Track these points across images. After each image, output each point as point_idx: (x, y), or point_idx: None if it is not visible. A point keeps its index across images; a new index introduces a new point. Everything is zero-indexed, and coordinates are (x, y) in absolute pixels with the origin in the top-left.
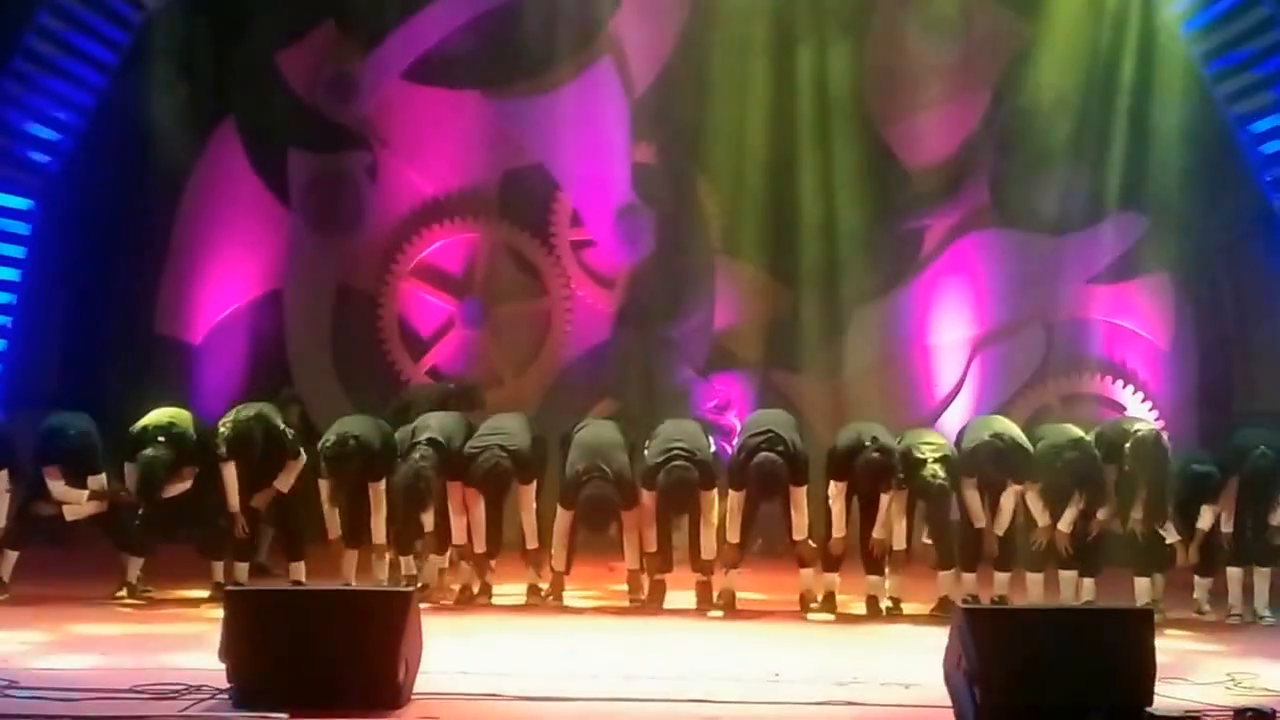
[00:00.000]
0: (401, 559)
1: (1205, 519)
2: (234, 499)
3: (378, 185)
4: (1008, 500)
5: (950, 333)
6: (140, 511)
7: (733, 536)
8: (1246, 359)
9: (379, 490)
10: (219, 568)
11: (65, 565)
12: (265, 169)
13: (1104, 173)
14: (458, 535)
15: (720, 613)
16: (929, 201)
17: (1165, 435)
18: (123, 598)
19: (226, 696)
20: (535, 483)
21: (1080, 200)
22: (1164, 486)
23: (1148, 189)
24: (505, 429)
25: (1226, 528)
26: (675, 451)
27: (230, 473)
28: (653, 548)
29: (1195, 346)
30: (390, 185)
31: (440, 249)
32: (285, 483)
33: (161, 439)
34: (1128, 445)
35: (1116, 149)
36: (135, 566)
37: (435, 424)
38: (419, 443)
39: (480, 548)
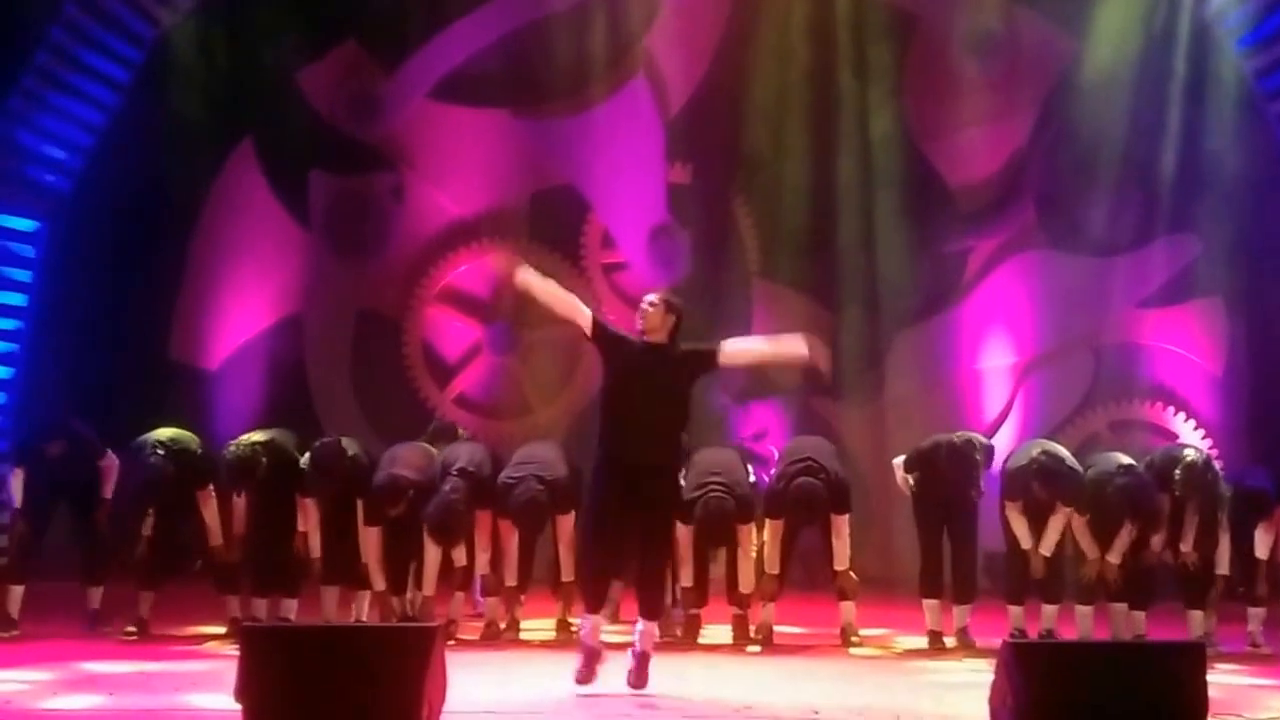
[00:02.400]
0: (394, 598)
1: (1261, 547)
2: (215, 527)
3: (402, 206)
4: (1056, 522)
5: (996, 358)
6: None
7: (771, 568)
8: None
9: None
10: (234, 602)
11: (74, 600)
12: (285, 191)
13: (1154, 193)
14: (483, 567)
15: (758, 647)
16: (973, 223)
17: (1217, 462)
18: (132, 633)
19: None
20: (573, 514)
21: (1130, 221)
22: (1216, 514)
23: (1199, 210)
24: (540, 458)
25: None
26: (712, 484)
27: (211, 503)
28: (689, 582)
29: (1248, 372)
30: (415, 206)
31: (467, 272)
32: (303, 520)
33: (161, 451)
34: (1178, 472)
35: (1166, 169)
36: (146, 602)
37: (465, 454)
38: (450, 474)
39: (511, 581)
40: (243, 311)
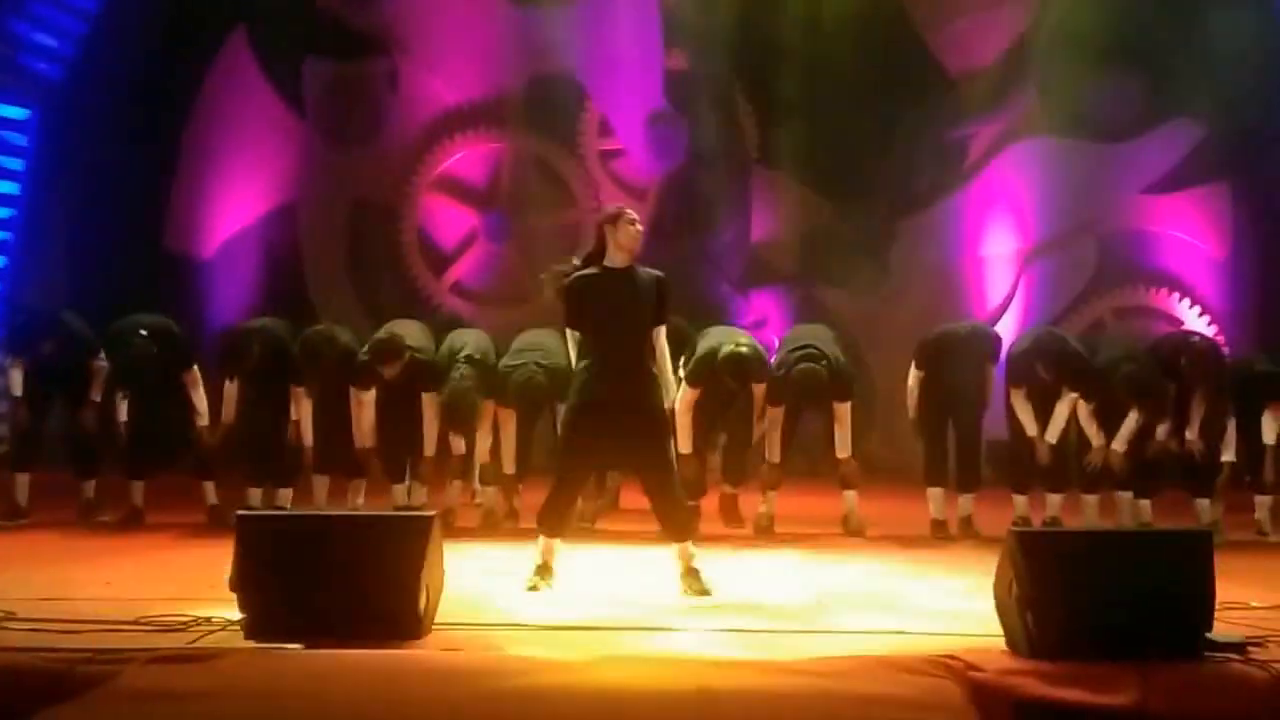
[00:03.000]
0: (395, 487)
1: (1269, 433)
2: (203, 409)
3: (397, 94)
4: (1061, 409)
5: (998, 245)
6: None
7: (773, 456)
8: None
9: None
10: (211, 489)
11: (73, 489)
12: (279, 78)
13: (1157, 78)
14: (483, 455)
15: (749, 531)
16: (975, 109)
17: (1224, 349)
18: (109, 521)
19: (238, 627)
20: None
21: (1133, 107)
22: (1222, 401)
23: (1204, 95)
24: (542, 345)
25: None
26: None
27: (198, 385)
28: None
29: (1254, 257)
30: (411, 94)
31: (463, 159)
32: (295, 409)
33: (145, 333)
34: (1183, 358)
35: (1171, 53)
36: (138, 491)
37: (471, 341)
38: (458, 360)
39: (510, 469)
40: (237, 200)
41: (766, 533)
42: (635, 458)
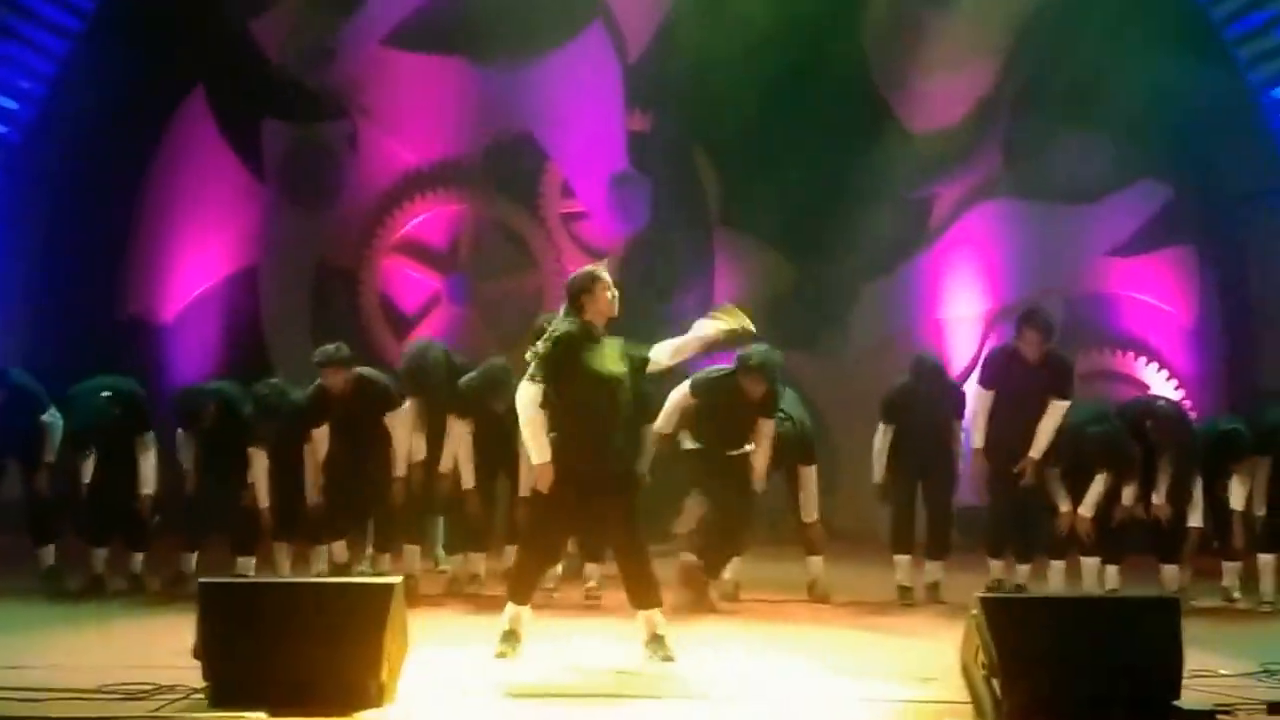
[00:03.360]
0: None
1: (1236, 497)
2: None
3: (358, 155)
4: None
5: (963, 307)
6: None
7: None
8: (1275, 334)
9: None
10: (188, 558)
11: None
12: (238, 140)
13: (1124, 140)
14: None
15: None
16: (938, 169)
17: (1190, 413)
18: (73, 593)
19: (201, 695)
20: None
21: (1099, 168)
22: (1189, 465)
23: (1170, 157)
24: None
25: (1259, 510)
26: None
27: (151, 451)
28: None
29: (1221, 321)
30: (371, 156)
31: (424, 222)
32: (252, 473)
33: (108, 394)
34: (1150, 422)
35: (1137, 115)
36: (99, 558)
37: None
38: None
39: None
40: (196, 264)
41: (731, 599)
42: (606, 526)
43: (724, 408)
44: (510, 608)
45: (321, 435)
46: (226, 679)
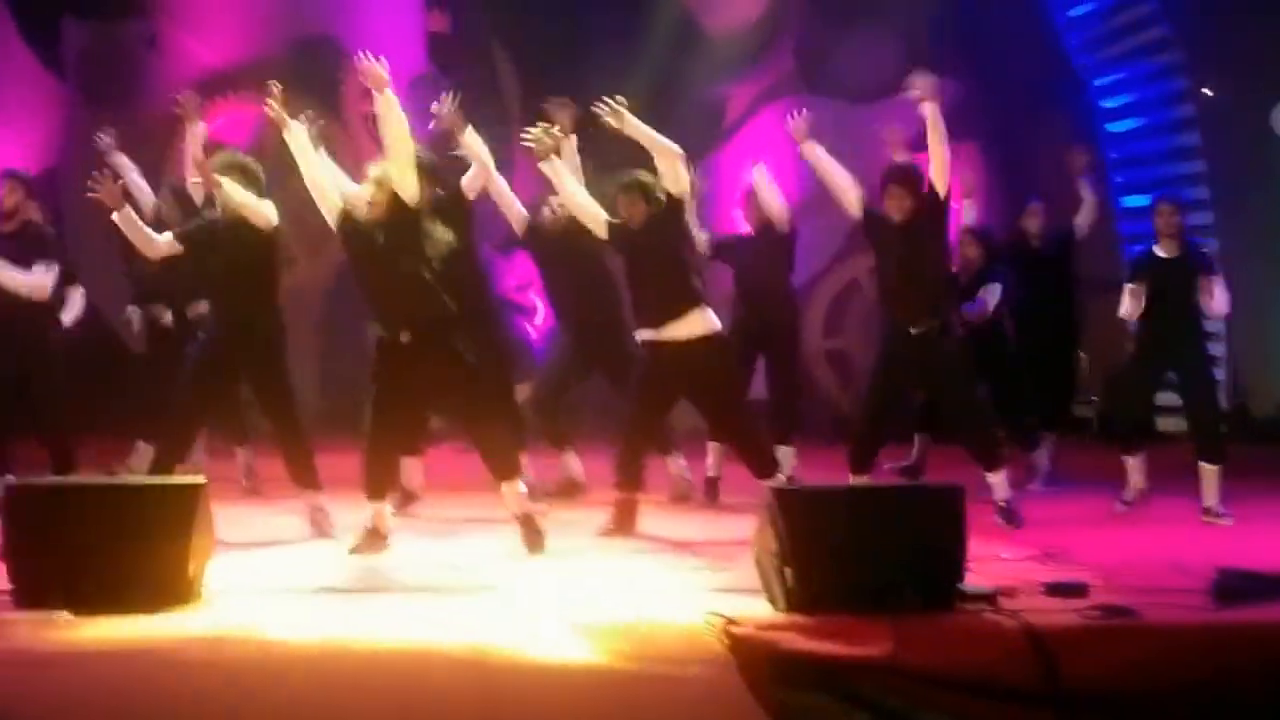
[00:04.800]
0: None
1: None
2: None
3: (158, 55)
4: None
5: None
6: None
7: None
8: None
9: None
10: None
11: None
12: (36, 39)
13: (913, 42)
14: None
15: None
16: (731, 69)
17: None
18: None
19: (7, 597)
20: None
21: (889, 68)
22: None
23: (958, 58)
24: None
25: None
26: None
27: None
28: None
29: (1002, 216)
30: (172, 56)
31: (225, 124)
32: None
33: None
34: None
35: (926, 17)
36: None
37: None
38: None
39: None
40: None
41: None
42: (445, 394)
43: None
44: (370, 505)
45: None
46: (31, 580)
